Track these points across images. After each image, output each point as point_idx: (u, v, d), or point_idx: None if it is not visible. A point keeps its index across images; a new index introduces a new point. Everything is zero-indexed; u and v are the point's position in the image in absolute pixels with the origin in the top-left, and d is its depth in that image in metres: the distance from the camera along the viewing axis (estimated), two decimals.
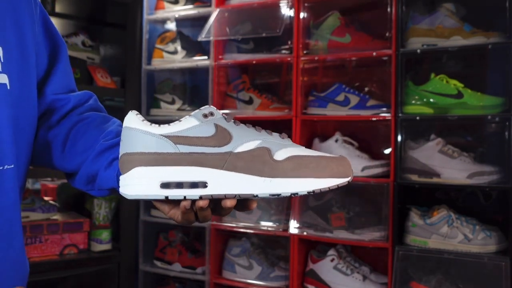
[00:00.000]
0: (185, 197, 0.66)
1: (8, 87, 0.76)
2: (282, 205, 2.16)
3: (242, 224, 2.19)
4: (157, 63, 2.47)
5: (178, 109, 2.45)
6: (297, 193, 0.67)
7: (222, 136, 0.67)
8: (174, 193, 0.66)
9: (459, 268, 1.81)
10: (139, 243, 2.48)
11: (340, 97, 2.07)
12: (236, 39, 2.27)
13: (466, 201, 1.96)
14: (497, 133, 1.90)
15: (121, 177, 0.69)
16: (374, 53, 1.94)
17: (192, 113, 0.70)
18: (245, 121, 2.37)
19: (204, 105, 2.50)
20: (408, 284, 1.85)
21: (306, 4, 2.11)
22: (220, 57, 2.32)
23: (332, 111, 2.07)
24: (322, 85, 2.19)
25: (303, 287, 2.10)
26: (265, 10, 2.21)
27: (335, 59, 2.14)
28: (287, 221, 2.11)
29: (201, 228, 2.31)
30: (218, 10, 2.28)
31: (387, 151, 2.00)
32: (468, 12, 1.93)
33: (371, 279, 1.99)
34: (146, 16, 2.51)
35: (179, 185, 0.66)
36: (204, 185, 0.66)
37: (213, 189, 0.66)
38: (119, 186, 0.71)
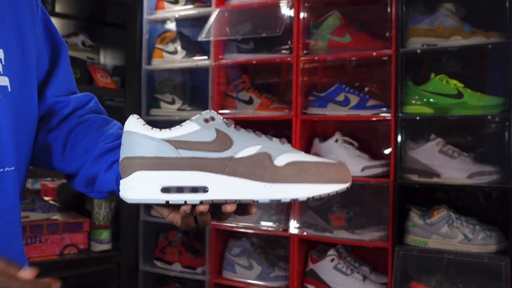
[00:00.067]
0: (185, 201, 0.67)
1: (9, 90, 0.76)
2: (282, 205, 2.16)
3: (242, 224, 2.19)
4: (157, 63, 2.47)
5: (178, 109, 2.45)
6: (297, 199, 0.67)
7: (223, 141, 0.68)
8: (175, 198, 0.66)
9: (459, 268, 1.81)
10: (139, 243, 2.48)
11: (340, 97, 2.07)
12: (236, 39, 2.26)
13: (466, 201, 1.96)
14: (497, 133, 1.90)
15: (121, 181, 0.69)
16: (374, 53, 1.94)
17: (193, 117, 0.70)
18: (245, 121, 2.36)
19: (204, 105, 2.48)
20: (408, 284, 1.85)
21: (306, 4, 2.11)
22: (220, 57, 2.32)
23: (332, 111, 2.07)
24: (322, 85, 2.19)
25: (303, 287, 2.10)
26: (265, 10, 2.21)
27: (335, 59, 2.14)
28: (287, 221, 2.11)
29: (201, 228, 2.31)
30: (218, 10, 2.28)
31: (387, 151, 2.00)
32: (468, 12, 1.93)
33: (371, 279, 1.99)
34: (146, 16, 2.51)
35: (180, 189, 0.66)
36: (204, 190, 0.66)
37: (213, 194, 0.66)
38: (119, 189, 0.71)
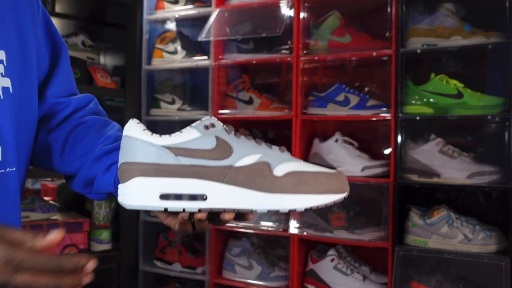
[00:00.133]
0: (184, 209, 0.67)
1: (11, 91, 0.77)
2: None
3: (242, 224, 2.19)
4: (157, 63, 2.47)
5: (178, 109, 2.45)
6: (295, 210, 0.68)
7: (222, 149, 0.68)
8: (173, 205, 0.66)
9: (459, 268, 1.81)
10: (139, 243, 2.48)
11: (340, 97, 2.07)
12: (236, 39, 2.26)
13: (466, 201, 1.96)
14: (497, 133, 1.90)
15: (120, 186, 0.69)
16: (374, 53, 1.94)
17: (194, 124, 0.69)
18: (245, 121, 2.35)
19: (204, 105, 2.47)
20: (408, 284, 1.85)
21: (306, 4, 2.11)
22: (220, 57, 2.32)
23: (332, 111, 2.07)
24: (322, 85, 2.19)
25: (303, 287, 2.10)
26: (265, 10, 2.21)
27: (335, 59, 2.14)
28: (287, 221, 2.11)
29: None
30: (218, 10, 2.28)
31: (387, 151, 2.00)
32: (468, 12, 1.93)
33: (371, 279, 1.99)
34: (146, 16, 2.51)
35: (178, 197, 0.66)
36: (203, 198, 0.66)
37: (212, 203, 0.66)
38: (117, 192, 0.71)
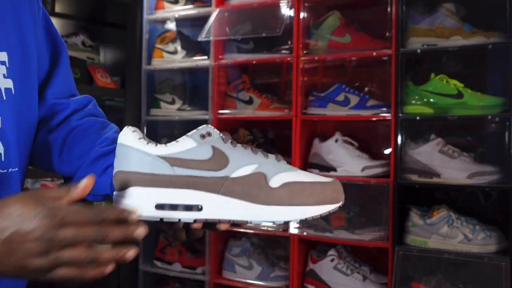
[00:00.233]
0: (179, 219, 0.66)
1: (13, 92, 0.77)
2: None
3: None
4: (157, 63, 2.47)
5: (178, 109, 2.45)
6: (290, 221, 0.68)
7: (219, 160, 0.67)
8: (169, 216, 0.66)
9: (459, 268, 1.81)
10: (139, 243, 2.48)
11: (340, 97, 2.07)
12: (236, 39, 2.26)
13: (466, 201, 1.96)
14: (497, 133, 1.90)
15: (115, 194, 0.69)
16: (374, 53, 1.94)
17: (190, 133, 0.69)
18: (245, 121, 2.34)
19: (204, 105, 2.47)
20: (408, 284, 1.84)
21: (306, 4, 2.11)
22: (220, 57, 2.32)
23: (332, 111, 2.07)
24: (322, 85, 2.19)
25: (303, 287, 2.10)
26: (265, 10, 2.21)
27: (335, 59, 2.14)
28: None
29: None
30: (218, 10, 2.28)
31: (387, 151, 1.99)
32: (468, 12, 1.93)
33: (371, 279, 1.99)
34: (146, 16, 2.50)
35: (174, 207, 0.66)
36: (198, 208, 0.66)
37: (208, 214, 0.66)
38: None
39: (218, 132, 0.69)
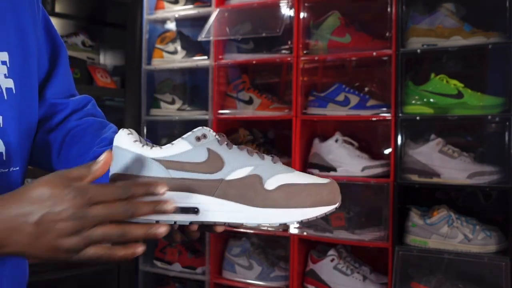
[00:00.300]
0: (175, 222, 0.66)
1: (14, 92, 0.77)
2: None
3: None
4: (157, 63, 2.47)
5: (178, 109, 2.45)
6: (285, 223, 0.68)
7: (214, 162, 0.67)
8: (164, 218, 0.65)
9: (459, 268, 1.81)
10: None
11: (340, 97, 2.07)
12: (236, 39, 2.26)
13: (466, 201, 1.96)
14: (497, 133, 1.90)
15: None
16: (374, 53, 1.94)
17: (185, 135, 0.68)
18: (245, 121, 2.34)
19: (204, 105, 2.46)
20: (408, 284, 1.84)
21: (306, 4, 2.11)
22: (220, 57, 2.32)
23: (332, 111, 2.07)
24: (322, 85, 2.19)
25: (303, 287, 2.10)
26: (265, 10, 2.21)
27: (335, 59, 2.14)
28: None
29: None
30: (218, 10, 2.28)
31: (387, 151, 2.00)
32: (468, 12, 1.93)
33: (371, 279, 1.99)
34: (146, 16, 2.50)
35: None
36: (194, 211, 0.66)
37: (203, 216, 0.66)
38: None
39: (213, 134, 0.69)
